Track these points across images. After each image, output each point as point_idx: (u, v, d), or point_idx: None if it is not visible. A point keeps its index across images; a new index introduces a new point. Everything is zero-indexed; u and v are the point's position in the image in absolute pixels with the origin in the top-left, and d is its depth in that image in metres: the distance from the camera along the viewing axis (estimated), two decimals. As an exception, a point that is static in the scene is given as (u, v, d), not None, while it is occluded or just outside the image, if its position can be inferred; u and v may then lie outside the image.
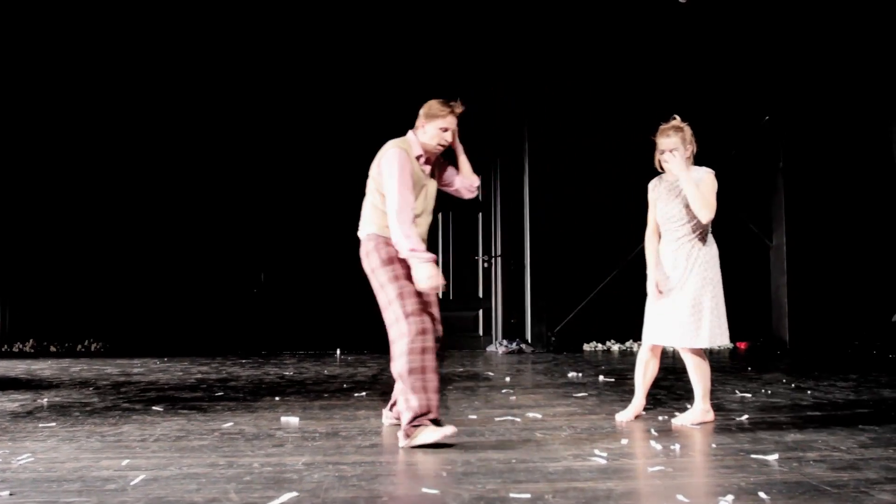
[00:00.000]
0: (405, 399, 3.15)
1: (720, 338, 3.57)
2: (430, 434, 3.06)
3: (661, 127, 3.66)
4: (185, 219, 7.93)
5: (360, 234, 3.45)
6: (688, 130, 3.66)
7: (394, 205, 3.24)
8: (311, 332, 7.83)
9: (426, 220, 3.48)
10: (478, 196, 8.19)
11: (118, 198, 7.92)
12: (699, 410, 3.62)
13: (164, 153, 7.95)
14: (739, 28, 7.78)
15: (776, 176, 8.09)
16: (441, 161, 3.62)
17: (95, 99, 7.87)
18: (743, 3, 7.60)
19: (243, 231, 7.96)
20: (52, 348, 7.69)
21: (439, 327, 3.42)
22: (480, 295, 8.18)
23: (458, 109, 3.45)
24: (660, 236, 3.74)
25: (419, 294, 3.24)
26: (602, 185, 7.79)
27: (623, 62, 7.90)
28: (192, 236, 7.92)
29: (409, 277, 3.25)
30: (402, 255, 3.24)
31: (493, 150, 8.15)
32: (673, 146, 3.59)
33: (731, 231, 8.14)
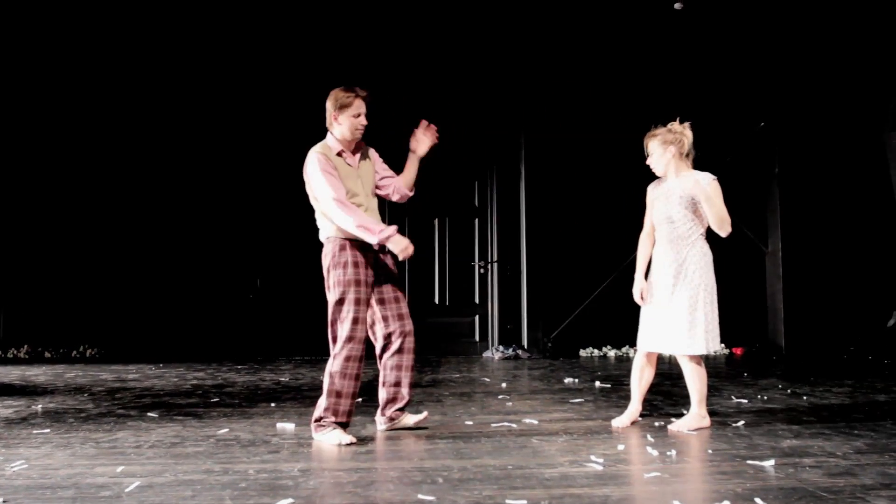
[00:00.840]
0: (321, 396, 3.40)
1: (714, 343, 3.57)
2: (331, 436, 3.33)
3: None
4: (180, 224, 7.90)
5: (321, 238, 3.53)
6: (676, 132, 3.65)
7: (330, 204, 3.33)
8: (308, 337, 7.80)
9: (372, 206, 3.53)
10: (474, 202, 8.20)
11: (113, 203, 7.89)
12: (695, 416, 3.62)
13: (159, 158, 7.93)
14: (735, 34, 7.80)
15: (771, 182, 8.11)
16: (367, 150, 3.62)
17: (92, 105, 7.84)
18: (738, 9, 7.63)
19: (239, 236, 7.94)
20: (47, 354, 7.66)
21: (407, 323, 3.54)
22: (476, 301, 8.17)
23: (363, 93, 3.44)
24: (655, 239, 3.76)
25: (362, 302, 3.36)
26: (598, 190, 7.80)
27: (619, 68, 7.91)
28: (188, 242, 7.89)
29: (358, 283, 3.37)
30: (371, 242, 3.33)
31: (490, 156, 8.16)
32: (650, 151, 3.67)
33: (726, 237, 8.19)
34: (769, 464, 2.85)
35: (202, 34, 7.62)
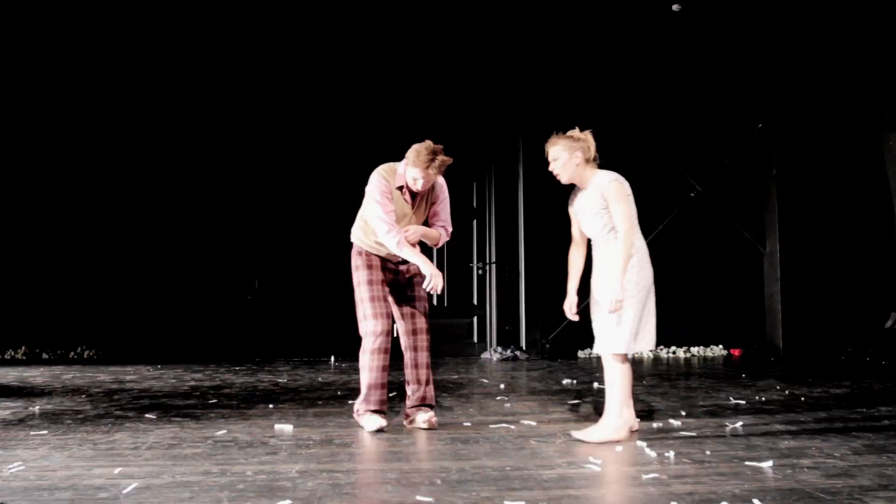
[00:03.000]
0: None
1: (642, 344, 3.36)
2: (366, 421, 3.61)
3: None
4: (179, 225, 7.90)
5: (350, 237, 3.89)
6: (579, 138, 3.50)
7: (379, 225, 3.59)
8: (306, 339, 7.81)
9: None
10: (473, 203, 8.21)
11: (112, 204, 7.89)
12: (607, 425, 3.32)
13: (157, 159, 7.92)
14: (732, 36, 7.82)
15: (769, 183, 8.12)
16: (434, 191, 3.78)
17: (90, 106, 7.84)
18: (736, 11, 7.64)
19: (237, 238, 7.94)
20: (45, 355, 7.65)
21: (419, 321, 3.78)
22: (475, 302, 8.17)
23: (436, 166, 3.54)
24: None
25: (375, 299, 3.63)
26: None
27: (617, 70, 7.92)
28: (186, 243, 7.89)
29: (370, 283, 3.68)
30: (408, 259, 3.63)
31: (488, 157, 8.17)
32: (554, 156, 3.49)
33: (724, 238, 8.20)
34: (767, 465, 2.85)
35: (202, 35, 7.63)
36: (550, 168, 3.54)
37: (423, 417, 3.68)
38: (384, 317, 3.61)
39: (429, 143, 3.55)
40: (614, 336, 3.35)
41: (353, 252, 3.79)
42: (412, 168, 3.56)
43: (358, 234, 3.78)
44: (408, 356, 3.77)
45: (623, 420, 3.33)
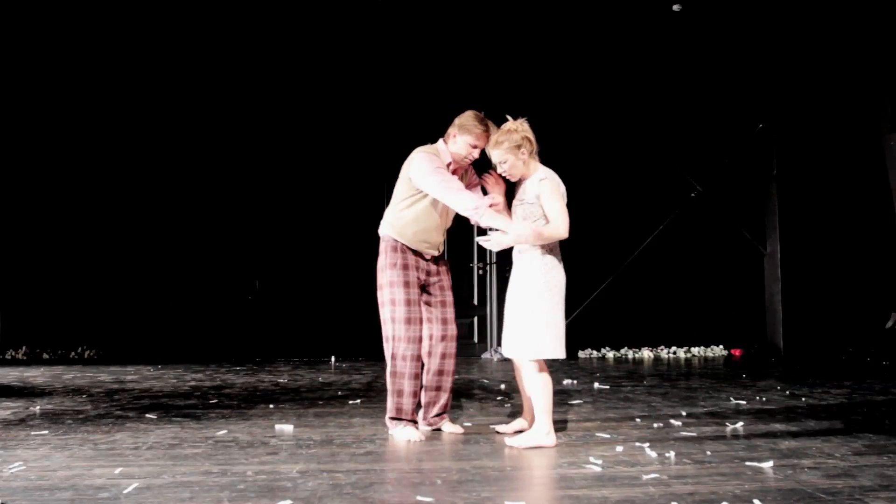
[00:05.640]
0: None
1: (555, 350, 3.24)
2: (402, 432, 3.44)
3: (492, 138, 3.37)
4: (179, 225, 7.90)
5: (379, 232, 3.60)
6: (521, 131, 3.35)
7: (442, 192, 3.33)
8: (306, 339, 7.81)
9: (445, 224, 3.56)
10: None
11: (112, 204, 7.88)
12: (537, 432, 3.25)
13: (158, 159, 7.92)
14: (733, 36, 7.82)
15: (770, 183, 8.12)
16: (470, 174, 3.62)
17: (92, 105, 7.84)
18: (736, 11, 7.65)
19: (238, 238, 7.94)
20: (45, 355, 7.65)
21: (450, 328, 3.58)
22: (475, 302, 8.17)
23: (487, 128, 3.42)
24: None
25: (412, 303, 3.44)
26: (595, 192, 7.79)
27: (619, 69, 7.92)
28: (187, 243, 7.89)
29: (406, 284, 3.43)
30: (483, 224, 3.35)
31: (486, 155, 8.14)
32: (502, 160, 3.34)
33: (725, 239, 8.20)
34: (768, 465, 2.85)
35: (203, 35, 7.63)
36: (499, 171, 3.40)
37: (452, 428, 3.59)
38: (419, 322, 3.45)
39: (467, 111, 3.44)
40: (526, 341, 3.24)
41: (387, 247, 3.49)
42: (467, 137, 3.38)
43: (394, 226, 3.49)
44: (433, 362, 3.55)
45: (551, 425, 3.25)
